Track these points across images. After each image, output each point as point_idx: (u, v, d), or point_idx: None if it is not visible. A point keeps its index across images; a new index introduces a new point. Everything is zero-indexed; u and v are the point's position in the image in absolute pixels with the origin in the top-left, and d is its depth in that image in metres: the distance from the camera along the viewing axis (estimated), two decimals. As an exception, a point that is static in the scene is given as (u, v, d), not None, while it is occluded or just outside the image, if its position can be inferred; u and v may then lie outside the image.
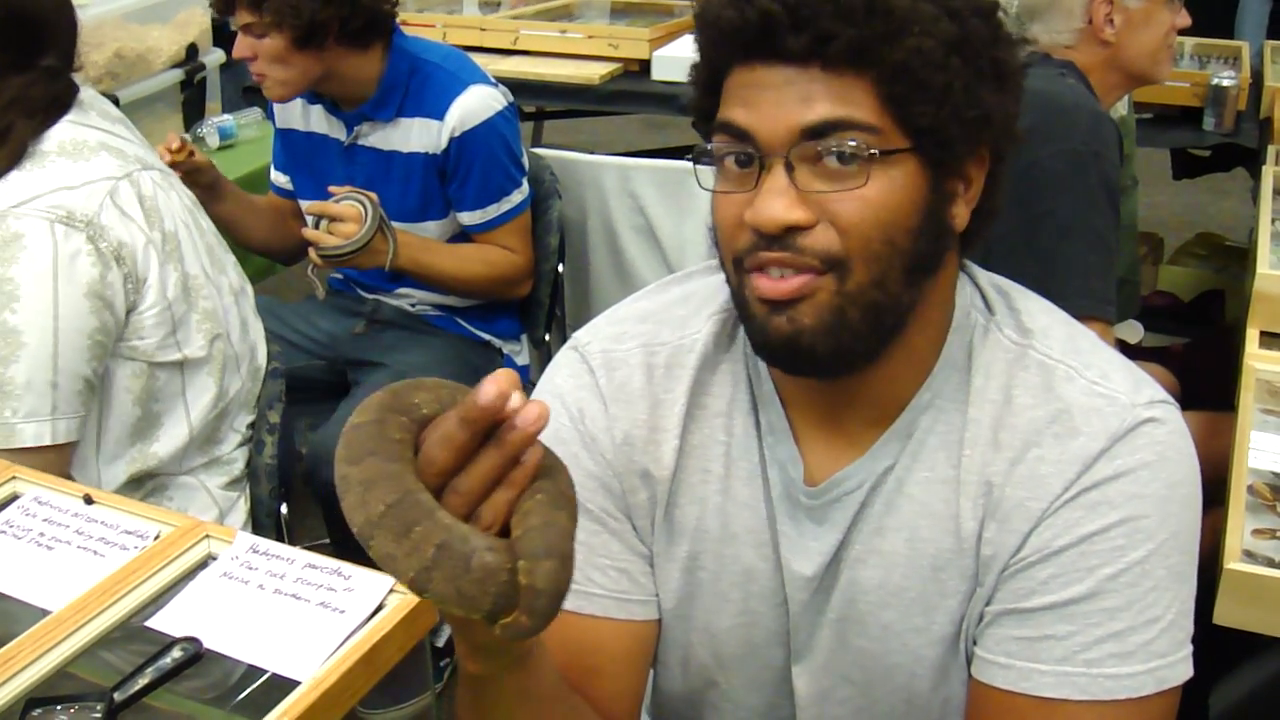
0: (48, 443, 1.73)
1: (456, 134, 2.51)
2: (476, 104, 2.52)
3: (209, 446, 1.97)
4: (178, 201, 1.89)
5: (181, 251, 1.85)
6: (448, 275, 2.61)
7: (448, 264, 2.60)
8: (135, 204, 1.79)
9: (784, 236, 1.02)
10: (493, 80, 2.61)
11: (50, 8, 1.81)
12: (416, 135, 2.55)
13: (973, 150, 1.08)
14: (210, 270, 1.93)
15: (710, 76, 1.08)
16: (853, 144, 1.01)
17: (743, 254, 1.05)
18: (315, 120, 2.67)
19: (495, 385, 0.78)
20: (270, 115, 2.75)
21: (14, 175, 1.74)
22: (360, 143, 2.60)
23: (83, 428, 1.79)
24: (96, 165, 1.78)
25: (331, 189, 2.45)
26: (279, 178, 2.81)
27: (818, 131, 1.01)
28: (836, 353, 1.06)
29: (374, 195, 2.42)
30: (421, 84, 2.54)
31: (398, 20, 2.57)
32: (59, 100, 1.82)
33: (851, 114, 1.00)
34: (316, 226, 2.40)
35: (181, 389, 1.89)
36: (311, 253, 2.40)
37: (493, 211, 2.59)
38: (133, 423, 1.86)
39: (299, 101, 2.66)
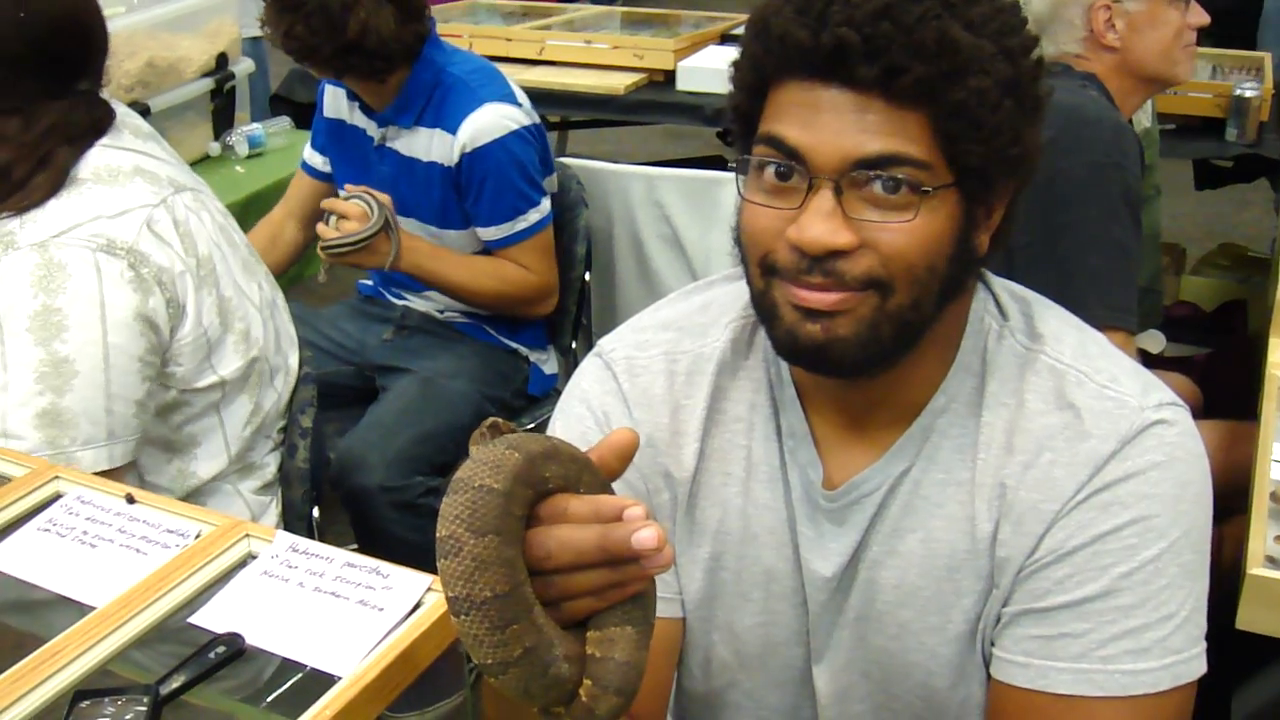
0: (104, 468, 1.73)
1: (467, 150, 2.54)
2: (488, 122, 2.54)
3: (243, 454, 2.00)
4: (210, 221, 1.90)
5: (216, 275, 1.86)
6: (456, 285, 2.63)
7: (457, 274, 2.62)
8: (171, 230, 1.80)
9: (825, 259, 1.04)
10: (516, 98, 2.62)
11: (87, 31, 1.82)
12: (436, 146, 2.58)
13: (1007, 185, 1.10)
14: (245, 287, 1.94)
15: (757, 83, 1.08)
16: (906, 178, 1.02)
17: (778, 266, 1.07)
18: (356, 115, 2.72)
19: (655, 536, 0.77)
20: (320, 98, 2.81)
21: (52, 203, 1.74)
22: (388, 144, 2.65)
23: (139, 448, 1.81)
24: (132, 192, 1.78)
25: (347, 187, 2.52)
26: (315, 158, 2.85)
27: (873, 163, 1.02)
28: (862, 362, 1.08)
29: (387, 198, 2.48)
30: (443, 96, 2.57)
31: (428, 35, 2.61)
32: (98, 124, 1.82)
33: (908, 149, 1.02)
34: (327, 222, 2.47)
35: (218, 411, 1.91)
36: (320, 248, 2.47)
37: (507, 229, 2.61)
38: (164, 444, 1.89)
39: (343, 94, 2.72)
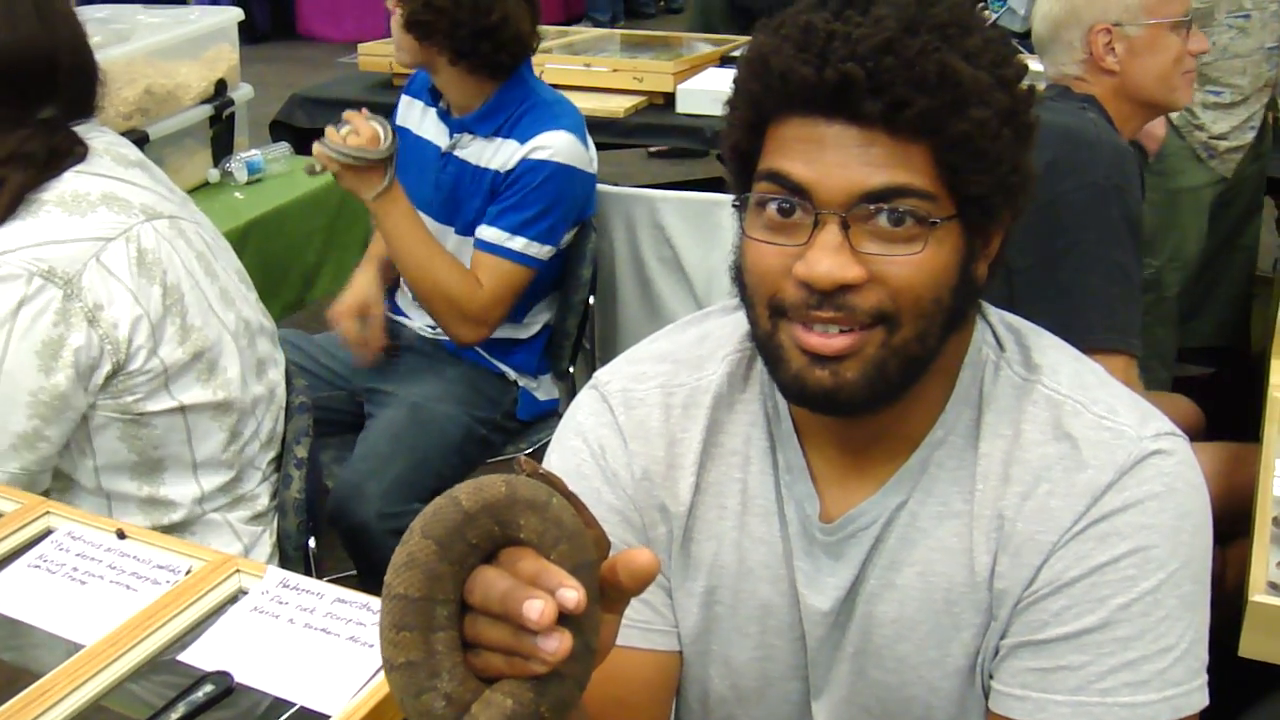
0: None
1: (526, 157, 2.54)
2: (559, 145, 2.55)
3: (230, 485, 1.98)
4: (185, 249, 1.87)
5: (184, 304, 1.84)
6: (408, 255, 2.54)
7: (415, 247, 2.53)
8: (125, 264, 1.77)
9: (834, 294, 1.03)
10: (588, 142, 2.64)
11: (50, 58, 1.78)
12: (499, 154, 2.59)
13: (1005, 214, 1.09)
14: (222, 316, 1.92)
15: (756, 120, 1.08)
16: (911, 210, 1.02)
17: (786, 306, 1.06)
18: (426, 125, 2.74)
19: (542, 612, 0.77)
20: (394, 111, 2.84)
21: (8, 224, 1.73)
22: (455, 152, 2.66)
23: (32, 479, 1.77)
24: (91, 222, 1.76)
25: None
26: None
27: (879, 196, 1.02)
28: (871, 400, 1.07)
29: (396, 137, 2.51)
30: (525, 113, 2.60)
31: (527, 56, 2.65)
32: (59, 152, 1.79)
33: (912, 181, 1.02)
34: (338, 128, 2.48)
35: (187, 437, 1.89)
36: (319, 141, 2.46)
37: (501, 238, 2.56)
38: (130, 467, 1.87)
39: (419, 103, 2.76)
